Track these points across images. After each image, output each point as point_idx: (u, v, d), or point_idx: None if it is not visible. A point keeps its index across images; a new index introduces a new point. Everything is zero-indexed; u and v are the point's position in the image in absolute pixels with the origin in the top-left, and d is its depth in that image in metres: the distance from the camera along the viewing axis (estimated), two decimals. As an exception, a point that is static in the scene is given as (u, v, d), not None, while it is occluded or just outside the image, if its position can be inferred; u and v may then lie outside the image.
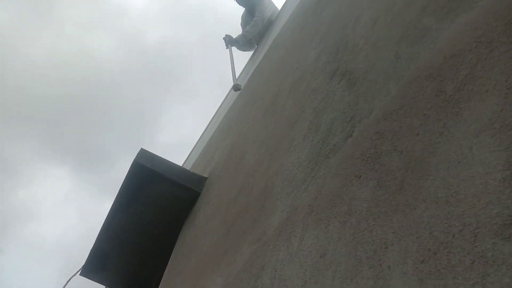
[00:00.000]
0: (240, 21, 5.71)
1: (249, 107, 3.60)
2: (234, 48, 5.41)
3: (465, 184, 0.76)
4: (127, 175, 3.64)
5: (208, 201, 3.27)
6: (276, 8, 5.43)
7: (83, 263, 4.22)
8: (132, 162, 3.61)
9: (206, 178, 3.81)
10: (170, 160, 3.92)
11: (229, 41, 5.36)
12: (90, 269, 4.30)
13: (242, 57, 5.66)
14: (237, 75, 4.84)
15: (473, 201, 0.72)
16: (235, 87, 3.97)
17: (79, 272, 4.37)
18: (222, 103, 5.35)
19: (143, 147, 3.78)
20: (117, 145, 19.35)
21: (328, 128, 1.56)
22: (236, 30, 5.58)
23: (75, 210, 20.45)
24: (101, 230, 4.00)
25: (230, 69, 4.94)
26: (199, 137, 5.89)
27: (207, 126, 5.67)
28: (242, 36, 5.24)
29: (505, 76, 0.81)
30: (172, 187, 3.75)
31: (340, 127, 1.46)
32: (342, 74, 1.75)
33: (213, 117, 5.48)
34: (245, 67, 5.44)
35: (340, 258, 1.02)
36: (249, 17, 5.53)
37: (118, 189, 3.84)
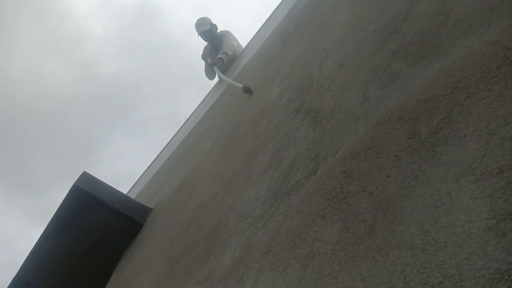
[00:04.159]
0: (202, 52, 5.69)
1: (206, 138, 3.50)
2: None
3: (445, 231, 0.71)
4: (65, 198, 3.36)
5: (151, 234, 3.06)
6: (239, 44, 5.49)
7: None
8: (72, 185, 3.35)
9: (151, 209, 3.60)
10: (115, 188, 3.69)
11: (211, 65, 5.17)
12: (8, 302, 3.85)
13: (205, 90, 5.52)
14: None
15: (454, 250, 0.67)
16: (245, 89, 3.11)
17: None
18: (177, 132, 5.20)
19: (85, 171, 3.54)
20: (55, 171, 18.20)
21: (291, 164, 1.50)
22: (196, 73, 5.46)
23: (-2, 235, 18.73)
24: (28, 256, 3.61)
25: (228, 83, 4.47)
26: (146, 167, 5.65)
27: (157, 156, 5.47)
28: (220, 60, 5.14)
29: (485, 122, 0.79)
30: (114, 216, 3.50)
31: (303, 163, 1.40)
32: (307, 112, 1.72)
33: (165, 146, 5.31)
34: (203, 100, 5.38)
35: (300, 306, 0.93)
36: (213, 51, 5.54)
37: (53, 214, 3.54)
